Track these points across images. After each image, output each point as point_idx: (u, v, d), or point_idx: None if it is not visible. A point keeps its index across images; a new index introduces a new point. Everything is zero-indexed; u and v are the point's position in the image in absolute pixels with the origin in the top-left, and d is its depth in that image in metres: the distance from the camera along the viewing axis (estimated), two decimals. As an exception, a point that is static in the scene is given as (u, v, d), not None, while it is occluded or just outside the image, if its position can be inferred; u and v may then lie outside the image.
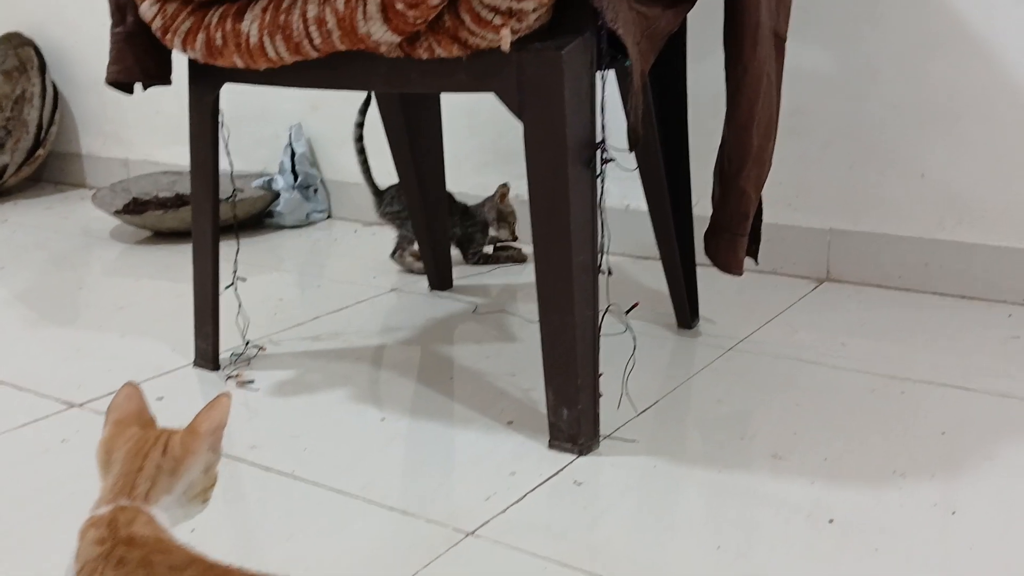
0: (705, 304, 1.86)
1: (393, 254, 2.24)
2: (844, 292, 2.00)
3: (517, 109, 1.29)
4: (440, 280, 2.10)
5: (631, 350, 1.49)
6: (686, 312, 1.79)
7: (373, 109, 2.05)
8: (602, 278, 1.33)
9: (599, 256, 1.32)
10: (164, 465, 0.79)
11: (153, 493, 0.78)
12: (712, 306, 1.88)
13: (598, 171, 1.30)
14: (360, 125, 2.22)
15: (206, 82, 1.56)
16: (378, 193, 2.26)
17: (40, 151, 3.14)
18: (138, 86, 1.59)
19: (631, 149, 1.35)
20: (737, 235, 1.61)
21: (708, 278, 1.84)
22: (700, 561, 1.10)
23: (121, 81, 1.53)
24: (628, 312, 1.38)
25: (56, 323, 2.00)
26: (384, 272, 2.24)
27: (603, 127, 1.29)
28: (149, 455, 0.79)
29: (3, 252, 2.54)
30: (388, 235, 2.39)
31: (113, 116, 3.19)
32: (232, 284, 1.72)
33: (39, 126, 3.12)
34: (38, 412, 1.54)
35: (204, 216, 1.64)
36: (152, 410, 0.85)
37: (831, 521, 1.17)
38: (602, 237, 1.32)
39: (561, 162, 1.27)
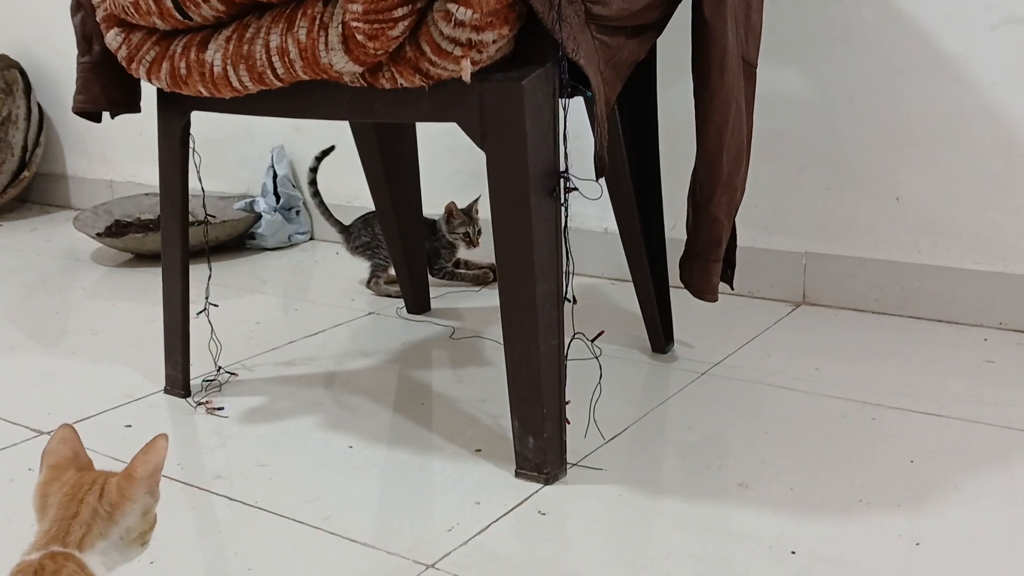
0: (681, 327, 1.86)
1: (368, 283, 2.24)
2: (820, 315, 2.00)
3: (479, 139, 1.28)
4: (417, 303, 2.10)
5: (600, 377, 1.48)
6: (660, 337, 1.78)
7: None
8: (568, 306, 1.33)
9: (564, 284, 1.32)
10: (100, 510, 0.78)
11: (88, 539, 0.77)
12: (688, 329, 1.88)
13: (561, 200, 1.29)
14: (314, 170, 2.28)
15: (174, 110, 1.56)
16: (344, 230, 2.28)
17: (25, 173, 3.14)
18: (106, 114, 1.59)
19: (597, 178, 1.35)
20: (710, 261, 1.61)
21: (684, 301, 1.83)
22: (659, 595, 1.10)
23: (88, 110, 1.53)
24: (594, 340, 1.38)
25: (29, 349, 2.00)
26: (363, 294, 2.24)
27: (566, 156, 1.28)
28: (85, 500, 0.78)
29: (-17, 275, 2.54)
30: (364, 281, 2.40)
31: (98, 137, 3.20)
32: (204, 310, 1.72)
33: (24, 148, 3.13)
34: (6, 440, 1.53)
35: (173, 242, 1.64)
36: (86, 452, 0.85)
37: (793, 552, 1.16)
38: (567, 265, 1.32)
39: (523, 191, 1.27)
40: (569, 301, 1.34)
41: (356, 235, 2.26)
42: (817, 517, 1.24)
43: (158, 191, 2.87)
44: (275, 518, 1.29)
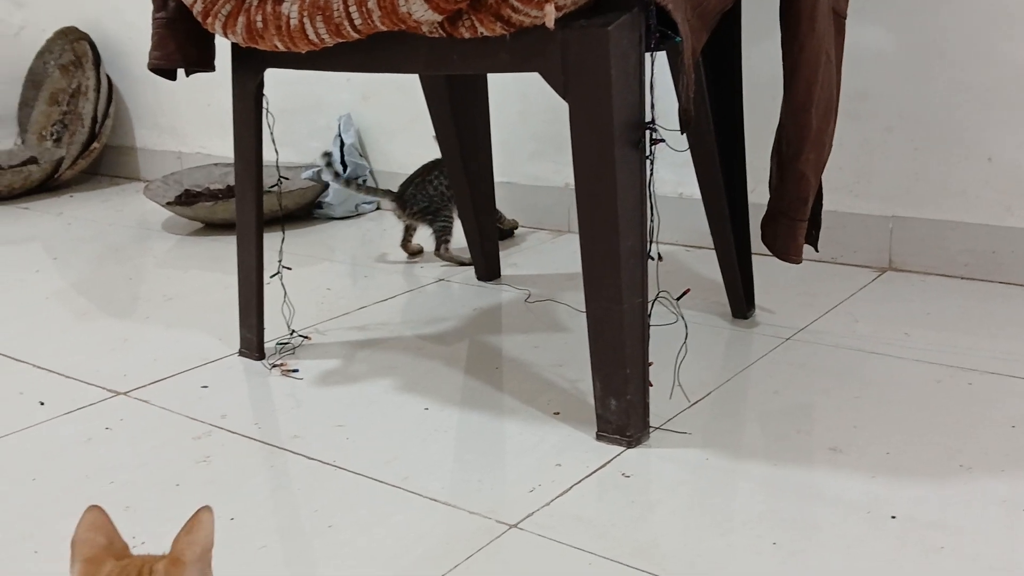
0: (761, 294, 1.80)
1: (437, 250, 2.19)
2: (907, 281, 1.92)
3: (561, 89, 1.24)
4: (488, 271, 2.06)
5: (683, 339, 1.44)
6: (741, 302, 1.73)
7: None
8: (651, 264, 1.28)
9: (648, 241, 1.27)
10: None
11: None
12: (768, 296, 1.82)
13: (647, 152, 1.25)
14: (328, 153, 2.27)
15: (248, 67, 1.54)
16: (397, 198, 2.21)
17: (95, 144, 3.17)
18: (181, 72, 1.57)
19: (683, 131, 1.30)
20: (796, 220, 1.55)
21: (764, 267, 1.78)
22: (754, 558, 1.05)
23: (163, 67, 1.52)
24: (679, 299, 1.33)
25: (105, 314, 2.01)
26: (432, 262, 2.22)
27: (652, 106, 1.24)
28: None
29: (57, 244, 2.56)
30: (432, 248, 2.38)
31: (167, 109, 3.21)
32: (277, 273, 1.70)
33: (94, 119, 3.16)
34: (83, 400, 1.54)
35: (248, 204, 1.63)
36: (121, 535, 0.77)
37: (893, 517, 1.11)
38: (651, 221, 1.27)
39: (607, 144, 1.22)
40: (653, 259, 1.29)
41: (412, 202, 2.20)
42: (916, 482, 1.18)
43: (227, 162, 2.91)
44: (354, 476, 1.27)
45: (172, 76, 1.57)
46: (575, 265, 2.14)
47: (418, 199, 2.18)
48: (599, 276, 1.27)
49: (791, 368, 1.54)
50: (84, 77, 3.24)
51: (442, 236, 2.19)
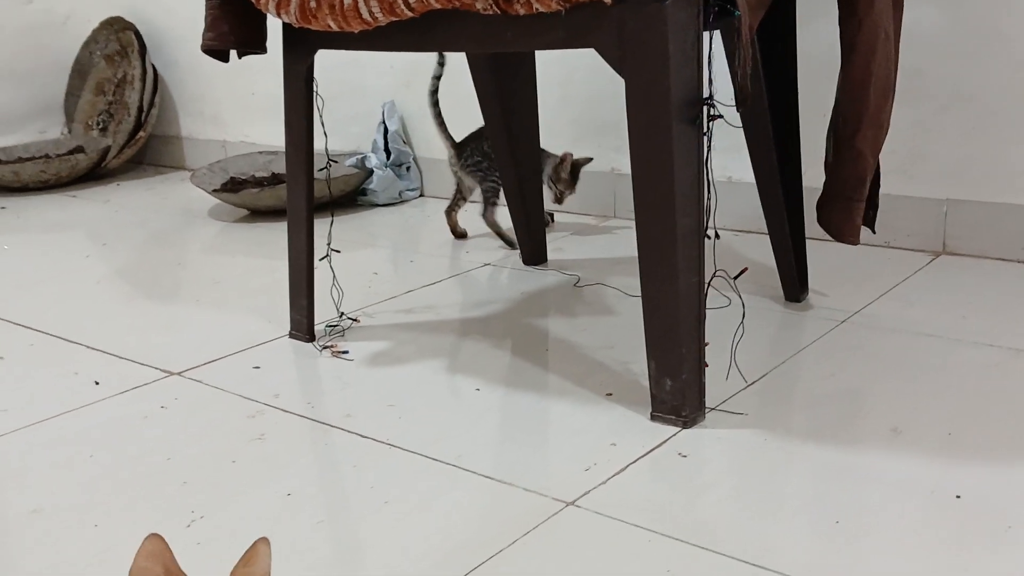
0: (814, 278, 1.78)
1: (484, 211, 2.19)
2: (962, 265, 1.89)
3: (618, 65, 1.23)
4: (534, 255, 2.06)
5: (739, 319, 1.42)
6: (795, 285, 1.70)
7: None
8: (707, 243, 1.27)
9: (705, 219, 1.26)
10: None
11: None
12: (821, 280, 1.80)
13: (704, 129, 1.23)
14: (437, 77, 2.22)
15: (300, 49, 1.54)
16: (456, 146, 2.23)
17: (141, 133, 3.20)
18: (233, 55, 1.58)
19: (739, 108, 1.29)
20: (853, 201, 1.52)
21: (816, 252, 1.76)
22: (815, 537, 1.04)
23: (216, 48, 1.52)
24: (736, 278, 1.32)
25: (154, 297, 2.03)
26: (478, 248, 2.21)
27: (710, 81, 1.22)
28: None
29: (105, 230, 2.59)
30: (479, 210, 2.37)
31: (211, 98, 3.24)
32: (327, 256, 1.71)
33: (140, 108, 3.18)
34: (137, 380, 1.55)
35: (298, 185, 1.63)
36: (178, 565, 0.75)
37: (958, 497, 1.09)
38: (708, 199, 1.26)
39: (665, 120, 1.21)
40: (709, 238, 1.28)
41: (469, 153, 2.20)
42: (981, 463, 1.16)
43: (271, 150, 2.92)
44: (407, 454, 1.27)
45: (225, 58, 1.58)
46: (622, 250, 2.12)
47: (474, 153, 2.19)
48: (655, 255, 1.26)
49: (846, 351, 1.51)
50: (130, 67, 3.27)
51: (490, 198, 2.19)
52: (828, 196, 1.54)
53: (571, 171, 2.18)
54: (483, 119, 1.95)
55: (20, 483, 1.25)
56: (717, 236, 1.29)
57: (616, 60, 1.23)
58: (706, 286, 1.27)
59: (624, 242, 2.18)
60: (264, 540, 0.74)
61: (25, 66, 3.37)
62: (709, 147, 1.24)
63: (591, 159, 2.22)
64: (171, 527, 1.12)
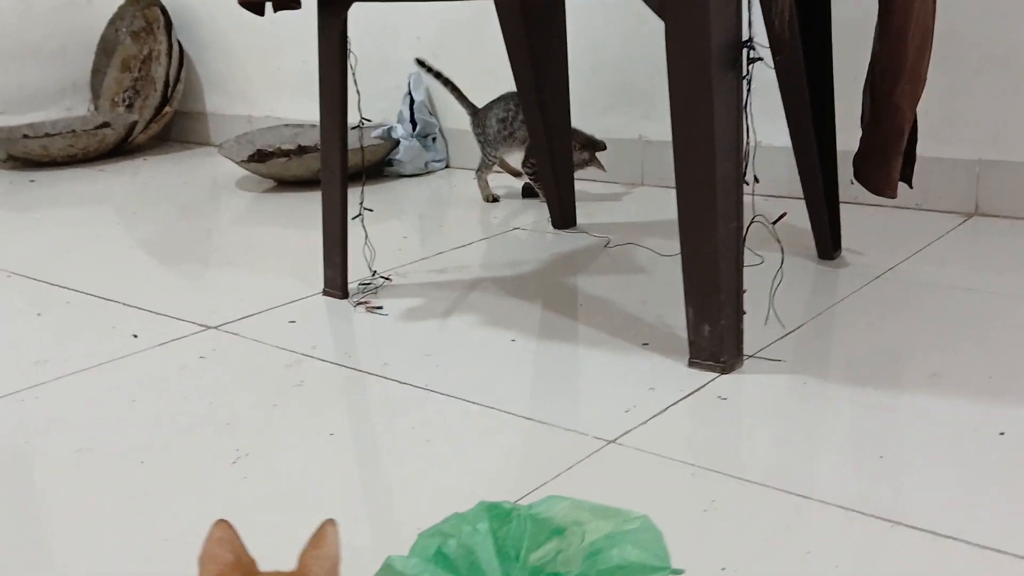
0: (846, 240, 1.77)
1: (476, 171, 2.30)
2: (995, 226, 1.88)
3: (657, 7, 1.23)
4: (564, 218, 2.06)
5: (770, 277, 1.42)
6: (828, 242, 1.70)
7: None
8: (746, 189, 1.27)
9: (744, 164, 1.26)
10: None
11: None
12: (853, 241, 1.79)
13: (744, 72, 1.23)
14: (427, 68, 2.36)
15: (334, 4, 1.54)
16: (473, 112, 2.32)
17: (167, 108, 3.21)
18: (269, 9, 1.59)
19: (776, 56, 1.28)
20: (890, 155, 1.52)
21: (847, 215, 1.75)
22: (860, 471, 1.04)
23: (252, 1, 1.53)
24: (775, 223, 1.32)
25: (187, 260, 2.04)
26: (507, 213, 2.22)
27: (750, 24, 1.22)
28: None
29: (136, 201, 2.61)
30: (508, 180, 2.38)
31: (236, 74, 3.25)
32: (359, 215, 1.71)
33: (166, 83, 3.20)
34: (175, 333, 1.56)
35: (333, 141, 1.64)
36: (247, 551, 0.73)
37: (1001, 434, 1.09)
38: (747, 144, 1.26)
39: (704, 64, 1.21)
40: (747, 184, 1.28)
41: (478, 120, 2.30)
42: (1022, 403, 1.16)
43: (297, 123, 2.93)
44: (447, 399, 1.27)
45: (260, 11, 1.58)
46: (652, 215, 2.12)
47: (481, 121, 2.28)
48: (695, 200, 1.26)
49: (883, 303, 1.51)
50: (155, 42, 3.29)
51: (481, 164, 2.30)
52: (865, 151, 1.54)
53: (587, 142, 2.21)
54: (514, 79, 1.95)
55: (64, 427, 1.26)
56: (756, 180, 1.28)
57: (656, 3, 1.23)
58: (744, 231, 1.27)
59: (654, 207, 2.18)
60: (331, 522, 0.73)
61: (51, 44, 3.39)
62: (749, 91, 1.24)
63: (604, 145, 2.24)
64: (217, 464, 1.13)
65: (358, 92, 1.70)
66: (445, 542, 0.79)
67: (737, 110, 1.24)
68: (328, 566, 0.71)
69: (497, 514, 0.83)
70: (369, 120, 1.81)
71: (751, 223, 1.29)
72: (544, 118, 1.96)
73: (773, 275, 1.42)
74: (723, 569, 0.89)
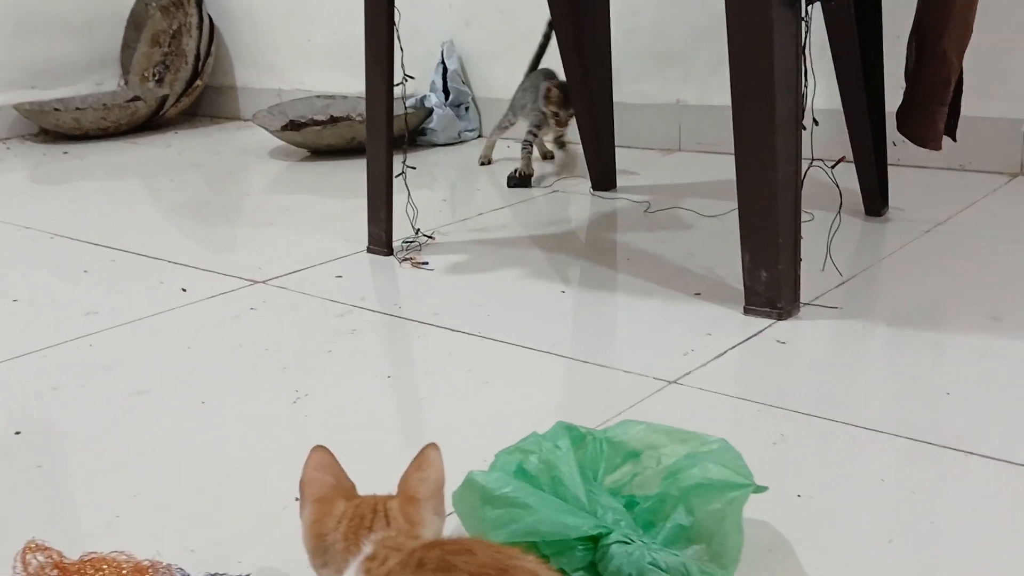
0: (891, 199, 1.75)
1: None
2: (1042, 185, 1.86)
3: (717, -52, 1.22)
4: (603, 181, 2.05)
5: (821, 233, 1.41)
6: (876, 199, 1.68)
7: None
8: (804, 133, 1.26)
9: (801, 107, 1.25)
10: (393, 543, 0.65)
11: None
12: (898, 200, 1.77)
13: (803, 12, 1.22)
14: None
15: (383, -46, 1.54)
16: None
17: (198, 82, 3.21)
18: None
19: (826, 4, 1.27)
20: (936, 105, 1.50)
21: (891, 175, 1.73)
22: (930, 406, 1.03)
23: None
24: (834, 166, 1.30)
25: (227, 222, 2.04)
26: (545, 177, 2.21)
27: (809, -38, 1.21)
28: (373, 530, 0.66)
29: (172, 169, 2.61)
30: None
31: (266, 47, 3.25)
32: (402, 173, 1.71)
33: (197, 56, 3.20)
34: (223, 287, 1.56)
35: (378, 95, 1.63)
36: (347, 474, 0.74)
37: (1071, 372, 1.08)
38: (806, 86, 1.24)
39: (764, 2, 1.20)
40: (805, 128, 1.26)
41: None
42: (1090, 344, 1.15)
43: (328, 94, 2.93)
44: (501, 344, 1.27)
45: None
46: (690, 178, 2.11)
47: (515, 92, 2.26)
48: (753, 142, 1.25)
49: (935, 255, 1.50)
50: (185, 16, 3.29)
51: (494, 127, 2.31)
52: (910, 102, 1.52)
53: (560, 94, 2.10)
54: (557, 41, 1.94)
55: (120, 371, 1.26)
56: (816, 123, 1.27)
57: (715, -57, 1.22)
58: (803, 174, 1.26)
59: (692, 171, 2.17)
60: (433, 446, 0.73)
61: (81, 19, 3.39)
62: (808, 31, 1.23)
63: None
64: (277, 404, 1.13)
65: (401, 48, 1.70)
66: (526, 458, 0.79)
67: (796, 50, 1.23)
68: (433, 487, 0.71)
69: (574, 436, 0.83)
70: (412, 76, 1.81)
71: (809, 167, 1.28)
72: (586, 80, 1.95)
73: (829, 223, 1.41)
74: (798, 496, 0.88)
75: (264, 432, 1.07)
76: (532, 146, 2.17)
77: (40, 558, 0.57)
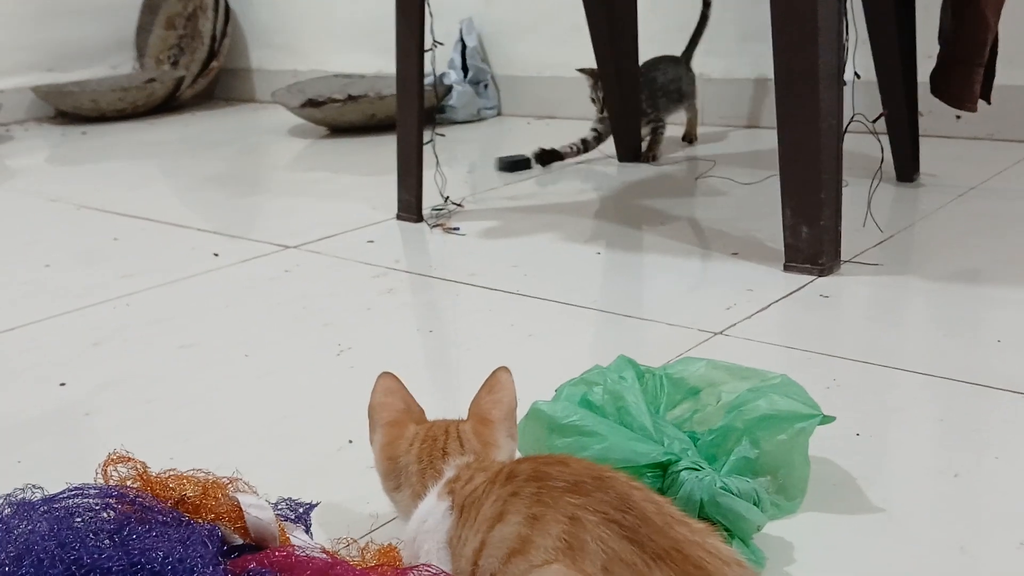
0: (921, 167, 1.75)
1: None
2: (1073, 152, 1.85)
3: (759, -101, 1.21)
4: (629, 151, 2.04)
5: (853, 199, 1.40)
6: (908, 164, 1.68)
7: None
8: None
9: (843, 61, 1.24)
10: (478, 464, 0.65)
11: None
12: (928, 167, 1.76)
13: (846, -36, 1.21)
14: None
15: (416, -84, 1.53)
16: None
17: (215, 63, 3.21)
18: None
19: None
20: (973, 66, 1.49)
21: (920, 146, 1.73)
22: (981, 353, 1.02)
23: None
24: (875, 121, 1.30)
25: (254, 193, 2.04)
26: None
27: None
28: (447, 455, 0.66)
29: (193, 146, 2.61)
30: (562, 125, 2.35)
31: (283, 27, 3.24)
32: (431, 140, 1.70)
33: (213, 37, 3.20)
34: (255, 252, 1.56)
35: (409, 59, 1.63)
36: (415, 399, 0.74)
37: (1123, 320, 1.07)
38: (846, 39, 1.24)
39: (807, -45, 1.19)
40: (846, 83, 1.26)
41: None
42: None
43: (347, 74, 2.92)
44: (541, 301, 1.26)
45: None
46: (717, 150, 2.10)
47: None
48: (795, 95, 1.24)
49: (973, 215, 1.49)
50: (202, -2, 3.28)
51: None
52: (945, 63, 1.51)
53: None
54: (585, 16, 1.93)
55: (161, 328, 1.26)
56: (857, 76, 1.26)
57: None
58: (844, 128, 1.25)
59: (717, 143, 2.16)
60: (504, 369, 0.72)
61: (97, 2, 3.39)
62: (850, -16, 1.22)
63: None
64: (322, 356, 1.13)
65: (431, 14, 1.69)
66: (590, 389, 0.79)
67: (839, 2, 1.22)
68: (506, 410, 0.71)
69: (636, 371, 0.82)
70: (441, 43, 1.80)
71: (851, 121, 1.27)
72: (614, 52, 1.94)
73: (862, 188, 1.40)
74: (857, 435, 0.88)
75: (311, 381, 1.07)
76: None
77: (123, 470, 0.57)
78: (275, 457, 0.90)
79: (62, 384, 1.09)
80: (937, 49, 1.54)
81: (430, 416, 0.74)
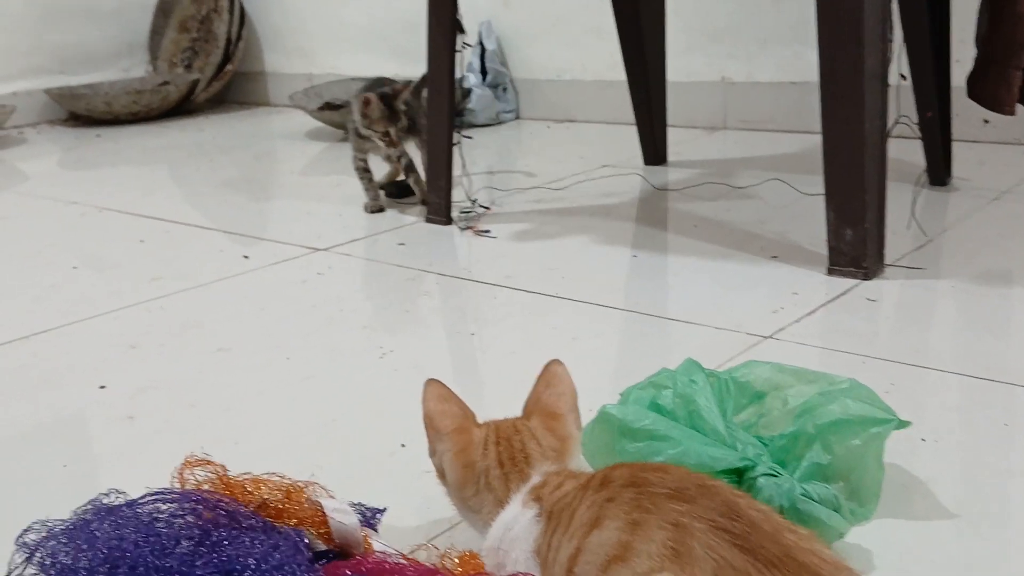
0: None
1: None
2: (1105, 156, 1.84)
3: (805, -102, 1.20)
4: (655, 155, 2.03)
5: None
6: (940, 168, 1.66)
7: None
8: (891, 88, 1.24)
9: (887, 62, 1.22)
10: (567, 472, 0.64)
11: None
12: (959, 171, 1.75)
13: (893, -36, 1.20)
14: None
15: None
16: None
17: (229, 66, 3.20)
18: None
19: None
20: (1011, 68, 1.47)
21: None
22: (1039, 357, 1.01)
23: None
24: (921, 122, 1.28)
25: (275, 196, 2.02)
26: (593, 153, 2.19)
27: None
28: (529, 455, 0.65)
29: (210, 149, 2.59)
30: (583, 127, 2.34)
31: (297, 30, 3.23)
32: (458, 142, 1.69)
33: (228, 40, 3.18)
34: (285, 255, 1.54)
35: (441, 59, 1.62)
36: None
37: None
38: (891, 39, 1.22)
39: (853, -46, 1.18)
40: (889, 85, 1.24)
41: None
42: None
43: (363, 76, 2.90)
44: (582, 304, 1.25)
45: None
46: (742, 153, 2.09)
47: None
48: (841, 94, 1.22)
49: (1008, 218, 1.48)
50: (215, 1, 3.27)
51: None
52: (981, 67, 1.49)
53: (383, 104, 1.73)
54: (617, 29, 1.91)
55: (197, 330, 1.24)
56: (903, 77, 1.25)
57: None
58: (889, 129, 1.24)
59: (741, 147, 2.15)
60: (558, 361, 0.71)
61: (110, 5, 3.38)
62: (897, -16, 1.20)
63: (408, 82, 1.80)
64: (364, 359, 1.11)
65: (462, 16, 1.68)
66: (659, 393, 0.77)
67: (885, 2, 1.20)
68: (571, 402, 0.69)
69: (704, 374, 0.81)
70: (470, 45, 1.79)
71: (896, 123, 1.26)
72: (642, 53, 1.93)
73: (899, 194, 1.39)
74: (923, 440, 0.86)
75: (356, 385, 1.05)
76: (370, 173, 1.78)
77: (201, 473, 0.55)
78: (327, 461, 0.88)
79: (102, 387, 1.08)
80: (968, 54, 1.52)
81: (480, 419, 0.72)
